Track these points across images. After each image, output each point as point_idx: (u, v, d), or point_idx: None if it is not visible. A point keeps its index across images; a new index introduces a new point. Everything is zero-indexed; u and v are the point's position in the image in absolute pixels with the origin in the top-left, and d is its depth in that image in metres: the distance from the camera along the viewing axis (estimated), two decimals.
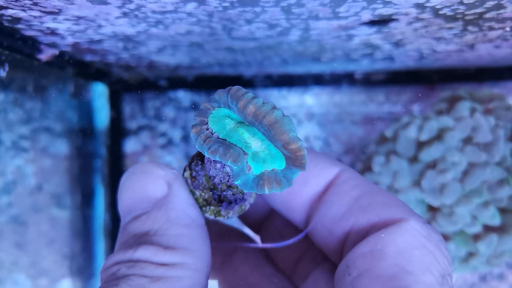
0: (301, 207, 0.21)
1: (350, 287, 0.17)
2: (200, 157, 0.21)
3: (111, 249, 0.55)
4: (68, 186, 0.50)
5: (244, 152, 0.18)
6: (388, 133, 0.45)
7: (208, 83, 0.54)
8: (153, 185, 0.20)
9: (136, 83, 0.55)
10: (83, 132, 0.53)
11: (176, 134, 0.55)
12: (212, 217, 0.21)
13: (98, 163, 0.55)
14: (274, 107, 0.17)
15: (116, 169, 0.56)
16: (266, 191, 0.18)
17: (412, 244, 0.17)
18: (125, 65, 0.47)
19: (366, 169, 0.45)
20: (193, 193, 0.21)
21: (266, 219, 0.26)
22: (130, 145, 0.56)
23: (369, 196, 0.20)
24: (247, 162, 0.18)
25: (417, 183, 0.42)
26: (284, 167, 0.18)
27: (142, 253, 0.18)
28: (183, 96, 0.55)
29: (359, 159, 0.48)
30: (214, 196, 0.21)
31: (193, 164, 0.21)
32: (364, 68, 0.51)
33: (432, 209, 0.43)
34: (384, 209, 0.19)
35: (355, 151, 0.53)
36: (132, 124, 0.56)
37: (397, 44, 0.39)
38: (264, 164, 0.18)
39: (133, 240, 0.19)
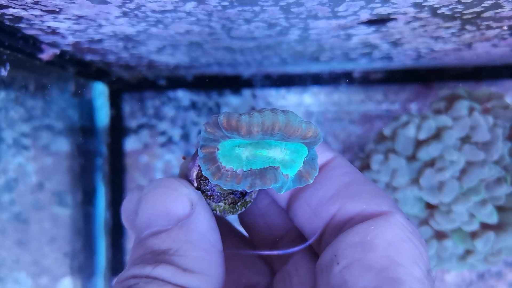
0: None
1: (339, 276, 0.17)
2: (205, 177, 0.21)
3: (112, 247, 0.55)
4: (69, 184, 0.51)
5: (274, 167, 0.18)
6: (387, 131, 0.45)
7: (207, 82, 0.54)
8: (177, 202, 0.19)
9: (136, 82, 0.55)
10: (83, 131, 0.53)
11: (176, 133, 0.55)
12: (243, 209, 0.22)
13: (99, 161, 0.55)
14: (274, 112, 0.17)
15: (117, 167, 0.56)
16: (310, 181, 0.19)
17: (400, 237, 0.17)
18: (125, 65, 0.47)
19: (364, 167, 0.45)
20: (218, 208, 0.21)
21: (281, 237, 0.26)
22: (130, 143, 0.56)
23: (358, 184, 0.20)
24: (282, 173, 0.19)
25: (415, 181, 0.42)
26: (307, 152, 0.19)
27: (161, 271, 0.17)
28: (183, 96, 0.55)
29: (358, 157, 0.48)
30: (237, 195, 0.21)
31: (202, 186, 0.21)
32: (362, 67, 0.51)
33: (430, 206, 0.43)
34: (371, 199, 0.19)
35: (354, 149, 0.52)
36: (132, 123, 0.55)
37: (395, 43, 0.39)
38: (295, 163, 0.19)
39: (151, 256, 0.18)
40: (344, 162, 0.21)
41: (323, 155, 0.21)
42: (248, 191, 0.19)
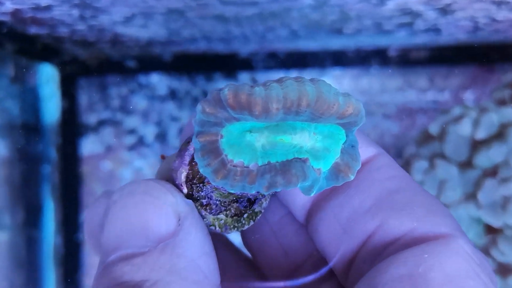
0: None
1: None
2: (197, 179, 0.21)
3: (63, 282, 0.55)
4: (7, 199, 0.50)
5: (301, 159, 0.18)
6: (433, 129, 0.45)
7: (191, 63, 0.54)
8: (158, 216, 0.19)
9: (96, 64, 0.55)
10: (26, 129, 0.53)
11: (149, 131, 0.55)
12: (252, 222, 0.22)
13: (47, 169, 0.55)
14: (299, 81, 0.17)
15: (70, 176, 0.56)
16: (351, 177, 0.19)
17: (464, 271, 0.17)
18: (82, 40, 0.47)
19: None
20: (217, 222, 0.21)
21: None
22: (88, 146, 0.56)
23: (407, 193, 0.19)
24: (313, 167, 0.18)
25: (471, 196, 0.42)
26: (345, 137, 0.19)
27: None
28: (158, 81, 0.55)
29: None
30: (243, 203, 0.21)
31: (194, 192, 0.21)
32: (400, 43, 0.51)
33: (491, 230, 0.43)
34: (425, 215, 0.19)
35: (389, 153, 0.51)
36: (90, 118, 0.55)
37: (445, 10, 0.39)
38: (330, 152, 0.19)
39: None
40: (389, 161, 0.21)
41: (361, 150, 0.21)
42: (265, 193, 0.18)
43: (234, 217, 0.22)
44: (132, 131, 0.56)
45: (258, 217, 0.22)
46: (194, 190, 0.21)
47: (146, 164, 0.55)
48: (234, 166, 0.18)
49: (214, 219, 0.21)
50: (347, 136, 0.19)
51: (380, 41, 0.51)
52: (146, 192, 0.19)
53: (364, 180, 0.20)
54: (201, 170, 0.18)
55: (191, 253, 0.19)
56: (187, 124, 0.25)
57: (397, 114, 0.53)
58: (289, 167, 0.18)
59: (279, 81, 0.17)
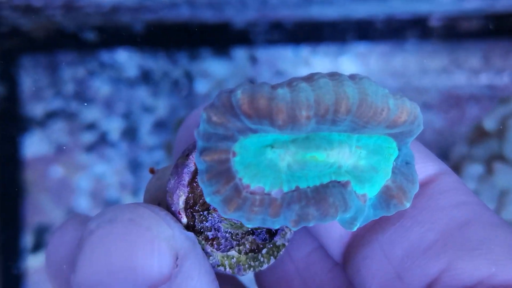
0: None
1: None
2: (200, 205, 0.21)
3: None
4: None
5: (340, 183, 0.18)
6: (489, 123, 0.44)
7: (170, 36, 0.54)
8: (149, 253, 0.19)
9: (44, 36, 0.54)
10: None
11: (114, 126, 0.55)
12: (272, 260, 0.22)
13: None
14: (336, 80, 0.17)
15: (9, 186, 0.55)
16: (407, 205, 0.19)
17: None
18: (25, 6, 0.47)
19: None
20: (227, 260, 0.21)
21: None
22: (33, 145, 0.55)
23: (482, 226, 0.20)
24: (355, 192, 0.19)
25: None
26: (398, 151, 0.19)
27: None
28: (126, 59, 0.55)
29: None
30: (262, 235, 0.22)
31: (196, 223, 0.21)
32: (445, 9, 0.51)
33: None
34: (508, 257, 0.19)
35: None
36: (36, 109, 0.55)
37: None
38: (378, 173, 0.19)
39: None
40: (456, 182, 0.21)
41: (419, 167, 0.21)
42: (293, 229, 0.18)
43: (250, 254, 0.22)
44: (91, 126, 0.55)
45: (281, 253, 0.22)
46: (197, 219, 0.21)
47: (110, 170, 0.54)
48: (251, 193, 0.18)
49: (223, 258, 0.21)
50: (399, 149, 0.19)
51: (419, 7, 0.51)
52: (133, 220, 0.19)
53: (424, 208, 0.20)
54: (207, 199, 0.18)
55: None
56: (184, 124, 0.25)
57: (442, 103, 0.54)
58: (324, 194, 0.18)
59: (309, 79, 0.17)
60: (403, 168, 0.19)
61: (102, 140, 0.55)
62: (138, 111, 0.55)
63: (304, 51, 0.55)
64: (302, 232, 0.25)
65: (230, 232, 0.21)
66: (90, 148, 0.55)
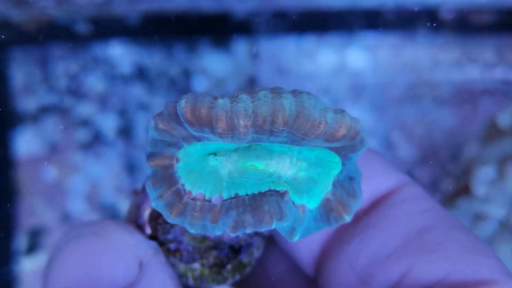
0: (317, 233, 0.21)
1: None
2: (163, 218, 0.22)
3: None
4: None
5: (279, 192, 0.19)
6: (504, 120, 0.45)
7: (166, 28, 0.54)
8: (114, 262, 0.20)
9: (35, 29, 0.54)
10: None
11: (108, 124, 0.55)
12: (238, 276, 0.23)
13: None
14: (275, 94, 0.18)
15: (0, 186, 0.55)
16: (348, 219, 0.20)
17: None
18: None
19: (461, 190, 0.45)
20: (190, 272, 0.23)
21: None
22: (25, 143, 0.55)
23: (441, 230, 0.21)
24: (294, 203, 0.19)
25: None
26: (341, 166, 0.20)
27: None
28: (121, 54, 0.55)
29: (447, 172, 0.49)
30: (224, 251, 0.23)
31: (159, 234, 0.22)
32: (457, 1, 0.51)
33: None
34: (463, 256, 0.20)
35: (440, 156, 0.53)
36: (27, 104, 0.55)
37: None
38: (318, 185, 0.20)
39: None
40: (418, 192, 0.22)
41: (381, 180, 0.22)
42: (232, 235, 0.19)
43: (213, 268, 0.23)
44: (85, 123, 0.55)
45: (247, 270, 0.23)
46: (160, 231, 0.22)
47: (106, 170, 0.55)
48: (192, 199, 0.19)
49: (186, 269, 0.22)
50: (343, 164, 0.20)
51: None
52: (97, 234, 0.21)
53: (386, 216, 0.22)
54: (153, 204, 0.19)
55: None
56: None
57: (453, 98, 0.53)
58: (261, 202, 0.19)
59: (251, 92, 0.18)
60: (345, 182, 0.20)
61: (97, 139, 0.55)
62: (133, 109, 0.55)
63: (308, 43, 0.55)
64: (276, 250, 0.26)
65: (192, 246, 0.22)
66: (85, 146, 0.55)
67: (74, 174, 0.55)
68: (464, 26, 0.53)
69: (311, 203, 0.20)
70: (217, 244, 0.23)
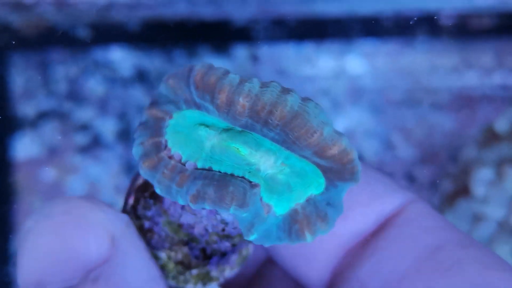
0: (327, 259, 0.21)
1: None
2: (150, 192, 0.22)
3: None
4: None
5: (251, 183, 0.19)
6: (501, 125, 0.45)
7: (166, 34, 0.54)
8: (85, 238, 0.20)
9: (36, 34, 0.54)
10: None
11: (108, 127, 0.55)
12: (200, 286, 0.23)
13: None
14: (284, 90, 0.18)
15: (0, 189, 0.55)
16: (309, 239, 0.19)
17: None
18: (15, 2, 0.47)
19: (459, 192, 0.45)
20: (154, 258, 0.22)
21: (258, 275, 0.26)
22: (24, 147, 0.55)
23: (454, 247, 0.20)
24: (261, 199, 0.19)
25: None
26: (323, 188, 0.20)
27: None
28: (121, 58, 0.55)
29: (447, 173, 0.48)
30: (195, 252, 0.23)
31: (139, 207, 0.22)
32: (456, 6, 0.51)
33: None
34: (484, 273, 0.19)
35: (439, 158, 0.53)
36: (27, 108, 0.55)
37: None
38: (292, 193, 0.20)
39: None
40: (424, 209, 0.22)
41: (387, 200, 0.22)
42: (191, 206, 0.19)
43: (178, 266, 0.22)
44: (84, 127, 0.55)
45: (213, 285, 0.23)
46: (141, 204, 0.22)
47: (105, 172, 0.54)
48: (169, 157, 0.20)
49: (151, 255, 0.22)
50: (326, 189, 0.20)
51: (429, 4, 0.51)
52: (67, 212, 0.21)
53: (396, 238, 0.21)
54: (133, 150, 0.20)
55: (133, 279, 0.20)
56: None
57: (452, 103, 0.53)
58: (228, 182, 0.19)
59: (265, 83, 0.18)
60: (321, 204, 0.20)
61: (96, 142, 0.55)
62: (133, 112, 0.55)
63: (307, 50, 0.55)
64: (279, 272, 0.26)
65: (166, 232, 0.22)
66: (84, 150, 0.55)
67: (72, 176, 0.55)
68: (462, 31, 0.53)
69: (279, 209, 0.20)
70: (190, 241, 0.22)
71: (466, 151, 0.48)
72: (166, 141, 0.20)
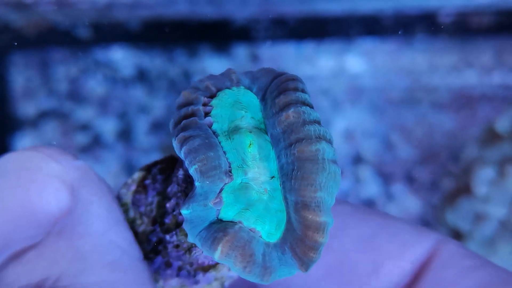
0: None
1: None
2: (177, 164, 0.22)
3: None
4: None
5: (229, 171, 0.19)
6: (502, 124, 0.45)
7: (167, 33, 0.54)
8: (43, 192, 0.20)
9: (36, 33, 0.54)
10: None
11: (108, 127, 0.55)
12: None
13: None
14: (325, 132, 0.19)
15: None
16: (216, 257, 0.19)
17: None
18: (16, 1, 0.47)
19: (461, 190, 0.45)
20: (125, 213, 0.23)
21: None
22: (25, 145, 0.55)
23: (497, 286, 0.20)
24: (222, 189, 0.19)
25: None
26: (276, 243, 0.19)
27: None
28: (122, 58, 0.54)
29: (448, 172, 0.48)
30: (152, 237, 0.22)
31: (156, 168, 0.22)
32: (456, 4, 0.51)
33: None
34: None
35: (440, 158, 0.53)
36: (28, 108, 0.55)
37: None
38: (247, 212, 0.19)
39: None
40: (458, 248, 0.22)
41: (417, 247, 0.22)
42: (175, 144, 0.20)
43: (149, 227, 0.22)
44: (85, 127, 0.55)
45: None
46: (155, 169, 0.23)
47: (105, 172, 0.54)
48: (204, 105, 0.21)
49: (148, 216, 0.22)
50: (279, 249, 0.19)
51: (428, 3, 0.51)
52: (22, 167, 0.20)
53: (436, 285, 0.21)
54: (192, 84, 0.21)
55: (97, 227, 0.20)
56: None
57: (452, 103, 0.53)
58: (213, 149, 0.19)
59: (324, 129, 0.19)
60: (272, 258, 0.19)
61: (96, 142, 0.55)
62: (134, 112, 0.55)
63: (307, 48, 0.55)
64: None
65: (152, 201, 0.22)
66: (85, 149, 0.55)
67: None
68: (462, 29, 0.53)
69: (225, 213, 0.19)
70: (159, 223, 0.22)
71: (468, 150, 0.48)
72: (215, 93, 0.21)
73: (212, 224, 0.19)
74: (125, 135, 0.55)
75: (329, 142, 0.18)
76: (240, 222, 0.19)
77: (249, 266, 0.18)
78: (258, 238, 0.19)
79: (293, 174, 0.18)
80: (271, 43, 0.55)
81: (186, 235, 0.21)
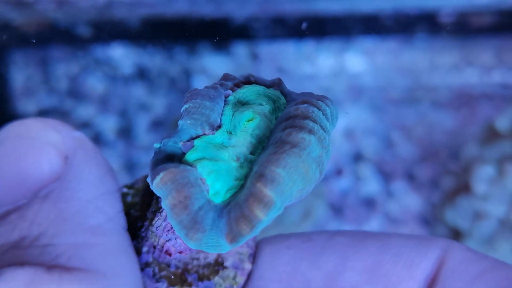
0: None
1: None
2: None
3: None
4: None
5: (216, 128, 0.20)
6: (502, 123, 0.45)
7: (167, 31, 0.55)
8: (37, 158, 0.21)
9: (36, 31, 0.55)
10: None
11: (109, 125, 0.55)
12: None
13: None
14: (324, 138, 0.19)
15: None
16: (155, 183, 0.19)
17: None
18: None
19: (460, 189, 0.45)
20: (132, 197, 0.23)
21: None
22: None
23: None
24: (198, 137, 0.20)
25: None
26: (218, 205, 0.19)
27: (12, 280, 0.18)
28: (122, 55, 0.55)
29: (448, 170, 0.48)
30: (138, 222, 0.23)
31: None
32: (456, 4, 0.51)
33: None
34: None
35: (440, 156, 0.53)
36: (28, 106, 0.55)
37: None
38: (207, 161, 0.20)
39: None
40: (465, 252, 0.21)
41: (423, 263, 0.21)
42: (183, 111, 0.21)
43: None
44: (85, 125, 0.55)
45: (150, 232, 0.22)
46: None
47: None
48: (229, 88, 0.22)
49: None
50: (220, 214, 0.19)
51: (429, 2, 0.51)
52: (20, 135, 0.21)
53: None
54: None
55: (85, 193, 0.20)
56: None
57: (452, 101, 0.54)
58: (210, 109, 0.20)
59: (328, 131, 0.20)
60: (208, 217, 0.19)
61: (97, 140, 0.55)
62: (134, 109, 0.55)
63: (307, 47, 0.55)
64: None
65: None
66: None
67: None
68: (462, 28, 0.54)
69: (189, 155, 0.20)
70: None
71: (467, 148, 0.48)
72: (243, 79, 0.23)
73: (170, 158, 0.20)
74: (126, 132, 0.55)
75: (322, 145, 0.19)
76: (195, 166, 0.19)
77: (178, 207, 0.18)
78: (203, 190, 0.19)
79: (269, 150, 0.18)
80: (271, 41, 0.56)
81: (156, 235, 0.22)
